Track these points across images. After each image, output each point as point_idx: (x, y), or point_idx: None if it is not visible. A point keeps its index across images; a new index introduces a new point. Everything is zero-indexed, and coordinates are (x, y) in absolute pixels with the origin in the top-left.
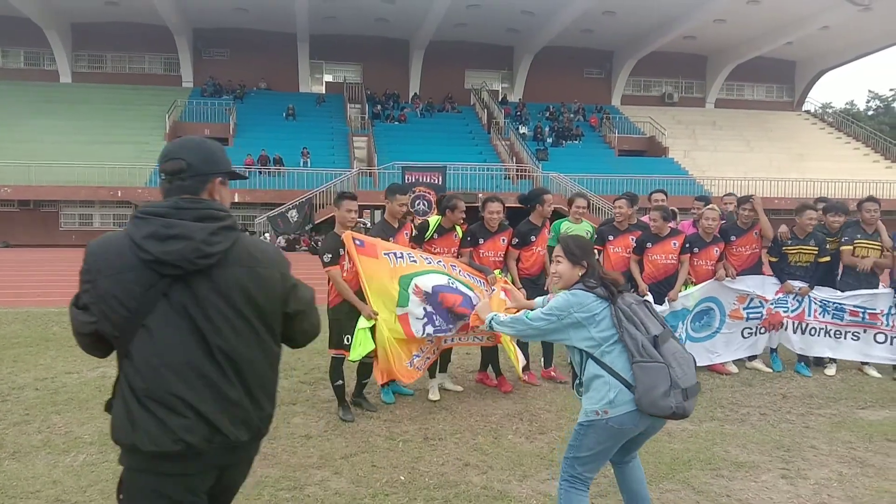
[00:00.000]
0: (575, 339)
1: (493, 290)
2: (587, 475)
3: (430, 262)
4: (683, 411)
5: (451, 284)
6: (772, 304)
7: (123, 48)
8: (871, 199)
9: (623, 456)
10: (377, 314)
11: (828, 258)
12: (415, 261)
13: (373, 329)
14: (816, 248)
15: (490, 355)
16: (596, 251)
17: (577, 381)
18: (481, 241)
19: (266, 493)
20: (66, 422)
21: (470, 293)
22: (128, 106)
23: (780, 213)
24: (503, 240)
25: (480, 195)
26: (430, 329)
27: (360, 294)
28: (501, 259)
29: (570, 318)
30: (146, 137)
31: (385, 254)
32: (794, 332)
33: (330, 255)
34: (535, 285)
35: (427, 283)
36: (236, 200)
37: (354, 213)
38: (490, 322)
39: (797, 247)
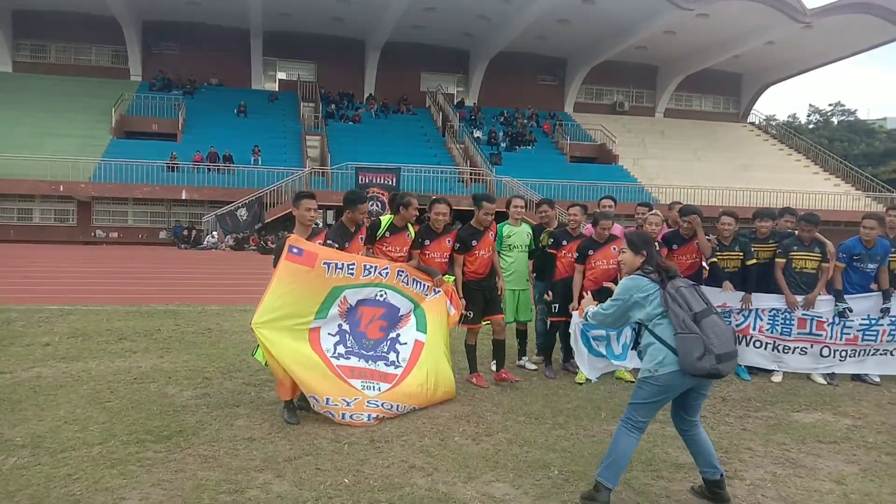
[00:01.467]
0: (636, 316)
1: (438, 291)
2: (641, 420)
3: (368, 275)
4: (717, 372)
5: (377, 297)
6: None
7: (69, 38)
8: (805, 218)
9: (684, 421)
10: (251, 322)
11: (753, 260)
12: (352, 273)
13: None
14: (742, 253)
15: (498, 349)
16: (553, 254)
17: (638, 347)
18: (427, 242)
19: (206, 497)
20: None
21: (401, 304)
22: (72, 98)
23: None
24: (449, 241)
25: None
26: (340, 349)
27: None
28: (447, 260)
29: (632, 299)
30: (91, 131)
31: (325, 263)
32: (738, 344)
33: (275, 257)
34: (484, 287)
35: (354, 296)
36: (184, 198)
37: (314, 212)
38: (586, 315)
39: (723, 253)
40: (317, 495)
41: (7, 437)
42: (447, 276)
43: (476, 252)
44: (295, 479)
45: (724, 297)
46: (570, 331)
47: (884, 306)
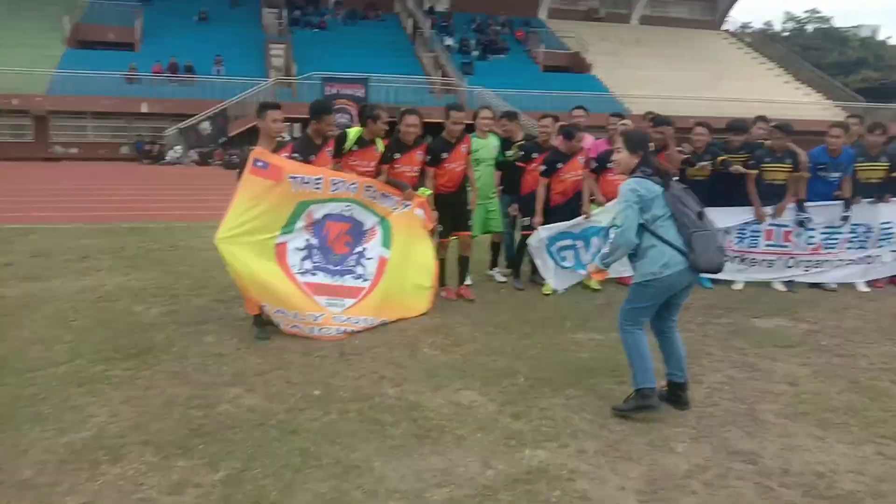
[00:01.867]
0: (644, 216)
1: (408, 205)
2: (643, 319)
3: (335, 189)
4: (722, 265)
5: (344, 212)
6: None
7: None
8: (777, 126)
9: (665, 321)
10: (215, 239)
11: (722, 157)
12: (319, 188)
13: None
14: (712, 164)
15: (463, 265)
16: (521, 167)
17: (632, 254)
18: (397, 155)
19: (176, 412)
20: None
21: (367, 219)
22: (20, 5)
23: None
24: (419, 154)
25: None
26: (307, 264)
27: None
28: (417, 174)
29: (640, 199)
30: (44, 41)
31: (291, 177)
32: None
33: (239, 171)
34: (453, 202)
35: (321, 211)
36: (144, 111)
37: (280, 124)
38: (601, 263)
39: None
40: (288, 407)
41: None
42: (421, 189)
43: (446, 165)
44: (265, 392)
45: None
46: (533, 244)
47: (843, 214)
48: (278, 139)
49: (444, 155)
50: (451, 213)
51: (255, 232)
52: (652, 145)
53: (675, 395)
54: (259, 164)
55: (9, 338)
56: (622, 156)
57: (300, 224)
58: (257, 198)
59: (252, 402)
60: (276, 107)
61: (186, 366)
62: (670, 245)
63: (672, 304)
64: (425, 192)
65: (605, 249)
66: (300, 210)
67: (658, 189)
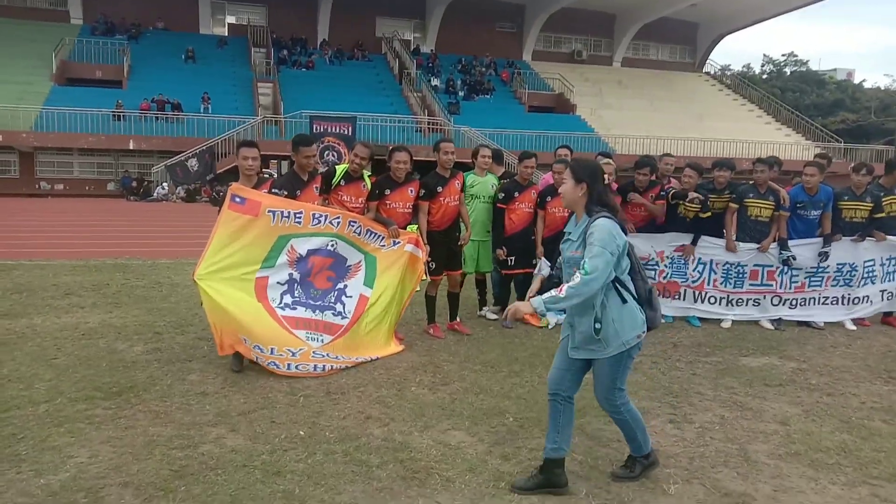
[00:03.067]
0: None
1: (398, 242)
2: (623, 388)
3: (317, 223)
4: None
5: (328, 246)
6: (666, 265)
7: None
8: (760, 160)
9: (574, 388)
10: (193, 274)
11: (709, 213)
12: (300, 222)
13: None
14: (699, 207)
15: (452, 302)
16: (502, 209)
17: (598, 325)
18: (387, 191)
19: (157, 453)
20: None
21: (350, 255)
22: (8, 42)
23: (680, 171)
24: (411, 190)
25: (391, 147)
26: (287, 299)
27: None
28: (410, 210)
29: (616, 250)
30: (30, 77)
31: (269, 211)
32: (695, 301)
33: (219, 208)
34: (446, 240)
35: (303, 245)
36: (131, 148)
37: (252, 161)
38: (542, 307)
39: (684, 202)
40: (271, 448)
41: None
42: (410, 225)
43: (440, 199)
44: (249, 432)
45: (683, 239)
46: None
47: (822, 250)
48: (255, 176)
49: (440, 189)
50: (444, 252)
51: (235, 267)
52: (606, 177)
53: (552, 472)
54: (237, 199)
55: None
56: (566, 186)
57: (283, 259)
58: (236, 233)
59: (235, 443)
60: (250, 144)
61: (169, 405)
62: (637, 301)
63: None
64: (412, 228)
65: (557, 293)
66: (281, 244)
67: (625, 235)
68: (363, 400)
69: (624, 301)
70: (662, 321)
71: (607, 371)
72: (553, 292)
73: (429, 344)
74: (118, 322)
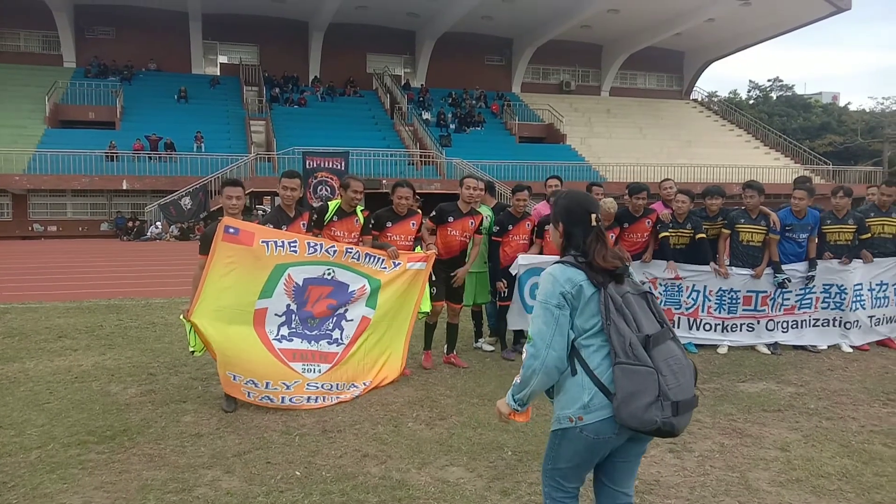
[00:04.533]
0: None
1: (398, 264)
2: (570, 486)
3: (313, 252)
4: (671, 428)
5: (325, 275)
6: (660, 292)
7: None
8: (749, 185)
9: (611, 495)
10: (188, 315)
11: (702, 235)
12: (295, 251)
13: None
14: (692, 231)
15: (451, 333)
16: (496, 241)
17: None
18: (389, 224)
19: (152, 497)
20: None
21: (352, 280)
22: (2, 87)
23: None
24: (412, 224)
25: (384, 181)
26: (284, 330)
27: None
28: (411, 243)
29: (565, 302)
30: (24, 121)
31: (263, 241)
32: (690, 328)
33: (201, 243)
34: (449, 269)
35: (300, 274)
36: (125, 188)
37: (236, 200)
38: (511, 400)
39: (677, 230)
40: (268, 490)
41: None
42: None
43: (447, 228)
44: (245, 474)
45: (678, 268)
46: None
47: (808, 273)
48: (256, 213)
49: (450, 219)
50: (445, 281)
51: (233, 300)
52: (596, 217)
53: None
54: (231, 230)
55: None
56: (550, 228)
57: (280, 288)
58: (231, 264)
59: (231, 485)
60: (234, 183)
61: (164, 447)
62: (593, 377)
63: (616, 468)
64: (417, 250)
65: (517, 379)
66: (278, 273)
67: (587, 287)
68: (360, 437)
69: (573, 372)
70: (659, 424)
71: (547, 443)
72: (516, 378)
73: (425, 378)
74: (112, 364)
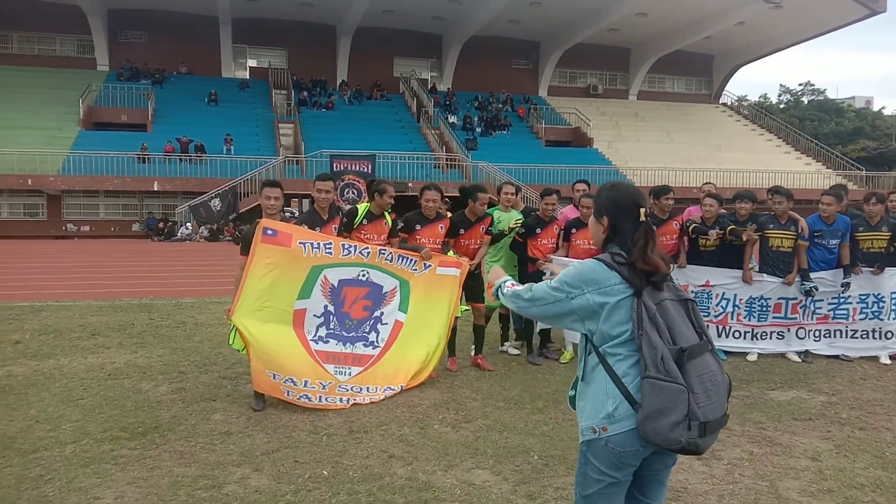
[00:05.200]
0: (585, 327)
1: (429, 265)
2: None
3: (347, 254)
4: (696, 448)
5: (360, 277)
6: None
7: (32, 28)
8: (777, 190)
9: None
10: (229, 314)
11: (730, 228)
12: (330, 252)
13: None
14: (722, 233)
15: (478, 335)
16: (521, 241)
17: (573, 392)
18: (418, 227)
19: (182, 493)
20: None
21: (385, 281)
22: (38, 89)
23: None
24: (441, 227)
25: (410, 185)
26: (322, 331)
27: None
28: (439, 246)
29: (582, 297)
30: (58, 123)
31: (300, 242)
32: (719, 336)
33: (241, 244)
34: (470, 271)
35: (335, 276)
36: (156, 189)
37: (275, 201)
38: (497, 289)
39: (704, 237)
40: (295, 488)
41: None
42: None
43: (461, 241)
44: (273, 472)
45: (708, 274)
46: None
47: (843, 281)
48: (278, 216)
49: (462, 231)
50: (467, 283)
51: (273, 301)
52: (645, 212)
53: None
54: (269, 232)
55: (16, 417)
56: (591, 221)
57: (317, 290)
58: (270, 265)
59: (259, 483)
60: (273, 184)
61: (194, 444)
62: (621, 387)
63: (643, 480)
64: (450, 255)
65: (517, 289)
66: (315, 274)
67: (619, 292)
68: (386, 438)
69: (598, 376)
70: (683, 444)
71: (577, 464)
72: (514, 284)
73: (451, 380)
74: (143, 362)
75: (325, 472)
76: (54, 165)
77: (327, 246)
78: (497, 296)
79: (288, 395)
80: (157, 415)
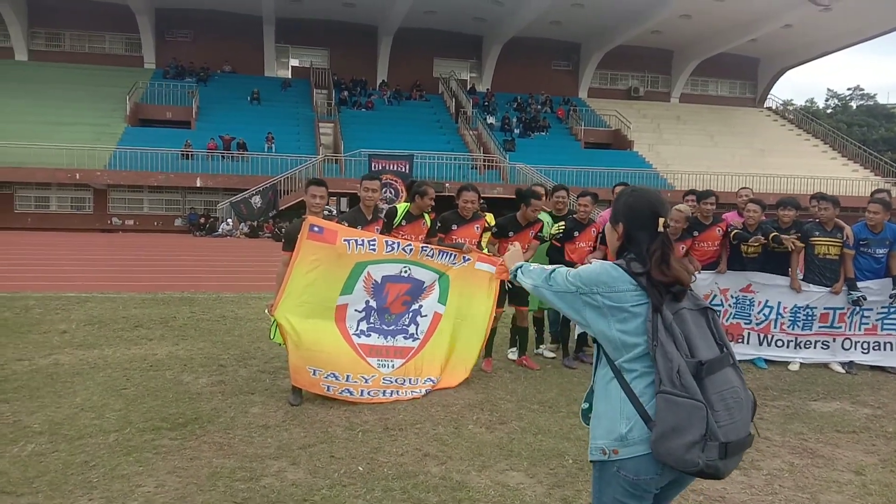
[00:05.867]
0: (594, 327)
1: (468, 259)
2: None
3: (391, 250)
4: (715, 472)
5: (403, 273)
6: (731, 304)
7: (83, 26)
8: (822, 196)
9: None
10: (272, 310)
11: (775, 245)
12: (374, 249)
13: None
14: (765, 240)
15: (521, 336)
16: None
17: (587, 404)
18: (454, 227)
19: (221, 484)
20: (14, 410)
21: (426, 276)
22: (87, 86)
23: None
24: (477, 227)
25: (447, 185)
26: (363, 325)
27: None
28: (475, 247)
29: (591, 297)
30: (106, 119)
31: (345, 240)
32: (760, 344)
33: (285, 240)
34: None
35: (379, 272)
36: (198, 185)
37: (320, 199)
38: (516, 271)
39: (746, 244)
40: (331, 483)
41: (26, 424)
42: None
43: (508, 244)
44: (309, 466)
45: (750, 277)
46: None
47: (892, 292)
48: (322, 214)
49: (511, 233)
50: (511, 284)
51: (317, 296)
52: (664, 222)
53: None
54: (315, 229)
55: (63, 404)
56: (607, 227)
57: (360, 285)
58: (316, 261)
59: (296, 476)
60: (319, 183)
61: (232, 437)
62: (636, 405)
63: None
64: (487, 251)
65: (536, 267)
66: (358, 271)
67: (632, 299)
68: (421, 437)
69: (612, 391)
70: (701, 467)
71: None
72: (536, 266)
73: (485, 381)
74: (184, 354)
75: (360, 468)
76: (101, 160)
77: (371, 243)
78: (515, 276)
79: (328, 390)
80: (198, 406)
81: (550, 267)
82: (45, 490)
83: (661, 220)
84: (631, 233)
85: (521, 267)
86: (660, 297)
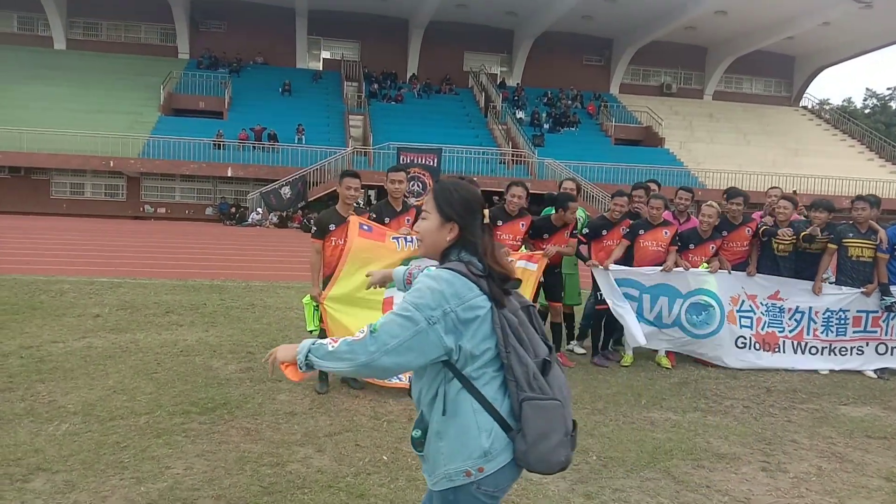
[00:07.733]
0: (434, 352)
1: (510, 260)
2: None
3: None
4: (568, 463)
5: None
6: (763, 311)
7: (119, 16)
8: (859, 198)
9: None
10: (321, 298)
11: (805, 233)
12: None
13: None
14: (794, 236)
15: (555, 333)
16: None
17: (418, 431)
18: (499, 223)
19: (248, 469)
20: (49, 391)
21: None
22: (122, 75)
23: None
24: (522, 224)
25: (475, 179)
26: None
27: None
28: (519, 243)
29: (446, 319)
30: (140, 108)
31: (394, 238)
32: (794, 352)
33: (315, 228)
34: (548, 271)
35: (423, 265)
36: (229, 175)
37: (355, 191)
38: (304, 357)
39: (775, 239)
40: (356, 471)
41: (61, 404)
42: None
43: (543, 244)
44: (335, 454)
45: (778, 284)
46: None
47: None
48: (353, 205)
49: (546, 235)
50: (547, 281)
51: (368, 291)
52: (488, 213)
53: None
54: (364, 227)
55: (96, 387)
56: (426, 224)
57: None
58: (367, 258)
59: (321, 464)
60: (354, 175)
61: (260, 422)
62: (494, 414)
63: None
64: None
65: (331, 343)
66: (405, 265)
67: (482, 304)
68: None
69: (464, 408)
70: (564, 463)
71: None
72: (328, 342)
73: None
74: (214, 340)
75: (384, 458)
76: (135, 149)
77: (417, 240)
78: (309, 368)
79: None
80: (226, 392)
81: (364, 329)
82: (79, 468)
83: (487, 212)
84: (467, 231)
85: (309, 352)
86: (502, 296)
